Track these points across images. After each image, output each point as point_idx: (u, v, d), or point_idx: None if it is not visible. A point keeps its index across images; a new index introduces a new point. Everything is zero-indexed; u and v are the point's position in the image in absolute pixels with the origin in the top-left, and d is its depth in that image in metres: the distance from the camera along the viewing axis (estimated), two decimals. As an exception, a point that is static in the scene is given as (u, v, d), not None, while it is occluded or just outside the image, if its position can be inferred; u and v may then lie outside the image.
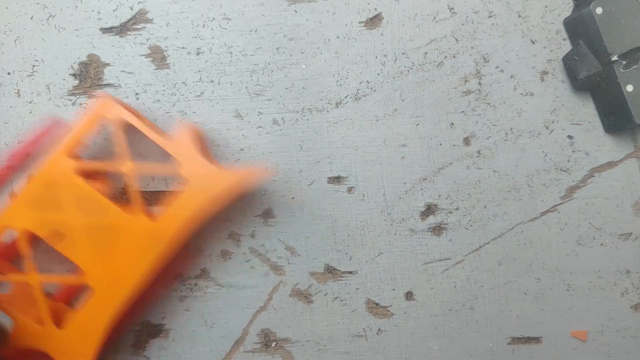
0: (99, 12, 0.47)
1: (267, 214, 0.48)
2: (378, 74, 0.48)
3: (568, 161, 0.48)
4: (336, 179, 0.48)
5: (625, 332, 0.48)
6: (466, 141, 0.48)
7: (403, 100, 0.48)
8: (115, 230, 0.41)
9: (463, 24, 0.48)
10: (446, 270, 0.48)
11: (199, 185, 0.41)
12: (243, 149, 0.48)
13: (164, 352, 0.47)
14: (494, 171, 0.48)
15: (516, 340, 0.48)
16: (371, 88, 0.48)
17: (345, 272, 0.48)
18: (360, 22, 0.48)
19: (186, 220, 0.41)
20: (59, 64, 0.47)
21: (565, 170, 0.48)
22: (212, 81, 0.47)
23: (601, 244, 0.48)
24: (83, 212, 0.41)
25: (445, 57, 0.48)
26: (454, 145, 0.48)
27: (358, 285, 0.48)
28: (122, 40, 0.47)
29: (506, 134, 0.48)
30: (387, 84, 0.48)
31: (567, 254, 0.48)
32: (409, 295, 0.48)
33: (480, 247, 0.48)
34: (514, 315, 0.48)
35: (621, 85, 0.44)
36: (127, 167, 0.41)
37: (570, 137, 0.48)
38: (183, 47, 0.47)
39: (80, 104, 0.47)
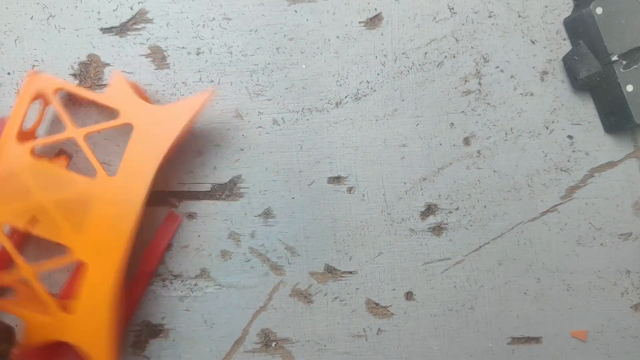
0: (99, 12, 0.47)
1: (267, 214, 0.48)
2: (378, 74, 0.48)
3: (568, 161, 0.48)
4: (336, 179, 0.48)
5: (625, 332, 0.48)
6: (466, 141, 0.48)
7: (403, 100, 0.48)
8: (87, 198, 0.41)
9: (463, 24, 0.48)
10: (446, 270, 0.48)
11: (146, 127, 0.41)
12: (243, 149, 0.48)
13: (164, 352, 0.47)
14: (494, 171, 0.48)
15: (516, 340, 0.48)
16: (371, 88, 0.48)
17: (345, 272, 0.48)
18: (360, 22, 0.48)
19: (146, 165, 0.41)
20: (59, 64, 0.47)
21: (565, 170, 0.48)
22: (212, 81, 0.47)
23: (601, 244, 0.48)
24: (51, 190, 0.40)
25: (445, 57, 0.48)
26: (454, 145, 0.48)
27: (358, 285, 0.48)
28: (122, 40, 0.47)
29: (506, 134, 0.48)
30: (387, 84, 0.48)
31: (567, 254, 0.48)
32: (409, 295, 0.48)
33: (480, 247, 0.48)
34: (514, 315, 0.48)
35: (621, 85, 0.44)
36: (75, 132, 0.41)
37: (570, 137, 0.48)
38: (183, 47, 0.47)
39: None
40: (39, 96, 0.42)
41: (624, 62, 0.45)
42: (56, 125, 0.47)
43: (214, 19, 0.47)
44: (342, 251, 0.48)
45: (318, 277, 0.48)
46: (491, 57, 0.48)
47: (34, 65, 0.47)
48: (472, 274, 0.48)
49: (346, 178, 0.48)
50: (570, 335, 0.48)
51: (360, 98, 0.48)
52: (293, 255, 0.48)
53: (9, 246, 0.41)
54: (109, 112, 0.45)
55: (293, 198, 0.48)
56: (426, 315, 0.48)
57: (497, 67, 0.48)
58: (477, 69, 0.48)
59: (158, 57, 0.47)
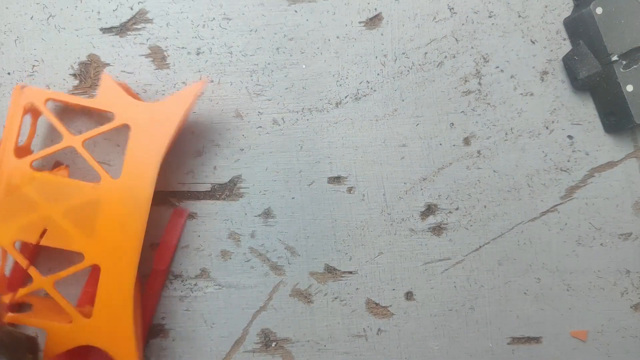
0: (99, 12, 0.47)
1: (267, 214, 0.48)
2: (378, 74, 0.48)
3: (568, 161, 0.48)
4: (336, 179, 0.48)
5: (625, 332, 0.48)
6: (466, 141, 0.48)
7: (403, 100, 0.48)
8: (95, 203, 0.41)
9: (463, 24, 0.48)
10: (446, 270, 0.48)
11: (143, 125, 0.41)
12: (243, 149, 0.48)
13: (164, 352, 0.47)
14: (494, 171, 0.48)
15: (516, 340, 0.48)
16: (371, 88, 0.48)
17: (345, 272, 0.48)
18: (360, 22, 0.48)
19: (148, 162, 0.41)
20: (59, 64, 0.47)
21: (565, 170, 0.48)
22: (212, 81, 0.47)
23: (601, 244, 0.48)
24: (58, 201, 0.41)
25: (445, 57, 0.48)
26: (454, 145, 0.48)
27: (358, 285, 0.48)
28: (122, 40, 0.47)
29: (506, 134, 0.48)
30: (387, 84, 0.48)
31: (567, 254, 0.48)
32: (409, 295, 0.48)
33: (480, 247, 0.48)
34: (514, 315, 0.48)
35: (621, 85, 0.44)
36: (72, 140, 0.41)
37: (570, 137, 0.48)
38: (183, 47, 0.47)
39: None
40: (30, 109, 0.42)
41: (624, 62, 0.45)
42: (50, 138, 0.47)
43: (214, 19, 0.47)
44: (342, 251, 0.48)
45: (318, 277, 0.48)
46: (491, 57, 0.48)
47: (33, 65, 0.47)
48: (472, 274, 0.48)
49: (346, 178, 0.48)
50: (570, 335, 0.48)
51: (360, 98, 0.48)
52: (293, 255, 0.48)
53: (23, 262, 0.41)
54: (103, 116, 0.45)
55: (293, 198, 0.48)
56: (426, 315, 0.48)
57: (497, 67, 0.48)
58: (477, 69, 0.48)
59: (158, 57, 0.47)
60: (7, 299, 0.41)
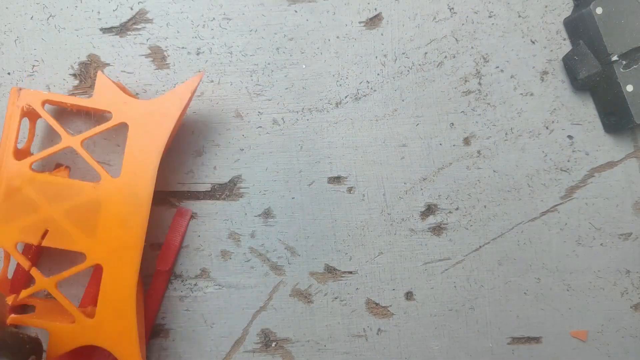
0: (99, 12, 0.47)
1: (267, 214, 0.48)
2: (378, 74, 0.48)
3: (568, 161, 0.48)
4: (336, 179, 0.48)
5: (625, 332, 0.48)
6: (466, 141, 0.48)
7: (403, 100, 0.48)
8: (96, 203, 0.41)
9: (463, 24, 0.48)
10: (446, 270, 0.48)
11: (141, 123, 0.41)
12: (243, 149, 0.48)
13: (164, 352, 0.47)
14: (494, 171, 0.48)
15: (516, 340, 0.48)
16: (371, 88, 0.48)
17: (345, 272, 0.48)
18: (360, 22, 0.48)
19: (148, 160, 0.41)
20: (59, 64, 0.47)
21: (565, 170, 0.48)
22: (212, 81, 0.47)
23: (601, 244, 0.48)
24: (58, 201, 0.41)
25: (445, 57, 0.48)
26: (454, 145, 0.48)
27: (358, 285, 0.48)
28: (122, 40, 0.47)
29: (506, 134, 0.48)
30: (387, 84, 0.48)
31: (567, 254, 0.48)
32: (409, 295, 0.48)
33: (480, 247, 0.48)
34: (514, 315, 0.48)
35: (621, 85, 0.44)
36: (71, 141, 0.41)
37: (570, 137, 0.48)
38: (183, 47, 0.47)
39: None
40: (27, 111, 0.41)
41: (624, 62, 0.45)
42: (49, 139, 0.47)
43: (214, 19, 0.47)
44: (342, 251, 0.48)
45: (318, 277, 0.48)
46: (491, 57, 0.48)
47: (33, 65, 0.47)
48: (472, 274, 0.48)
49: (346, 178, 0.48)
50: (570, 335, 0.48)
51: (360, 98, 0.48)
52: (293, 255, 0.48)
53: (25, 264, 0.41)
54: (103, 115, 0.45)
55: (293, 198, 0.48)
56: (426, 315, 0.48)
57: (497, 67, 0.48)
58: (477, 69, 0.48)
59: (158, 57, 0.47)
60: (10, 300, 0.42)
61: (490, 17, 0.48)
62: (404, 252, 0.48)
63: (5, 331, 0.37)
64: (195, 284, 0.47)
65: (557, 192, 0.48)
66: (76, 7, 0.47)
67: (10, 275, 0.45)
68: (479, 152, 0.48)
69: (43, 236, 0.40)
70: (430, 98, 0.48)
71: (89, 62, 0.47)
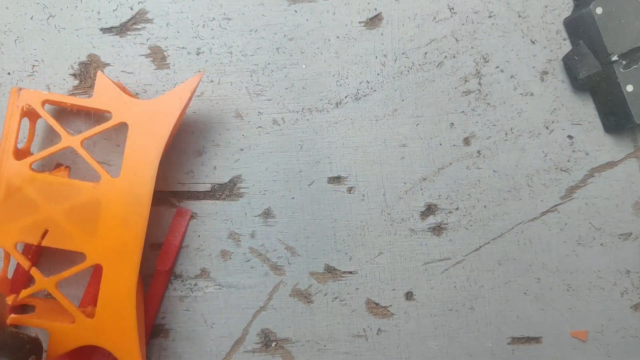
0: (99, 12, 0.47)
1: (267, 214, 0.48)
2: (378, 74, 0.48)
3: (568, 161, 0.48)
4: (336, 179, 0.48)
5: (625, 332, 0.48)
6: (466, 141, 0.48)
7: (403, 100, 0.48)
8: (95, 203, 0.41)
9: (463, 24, 0.48)
10: (446, 270, 0.48)
11: (141, 123, 0.41)
12: (243, 149, 0.48)
13: (164, 352, 0.47)
14: (494, 171, 0.48)
15: (516, 340, 0.48)
16: (371, 88, 0.48)
17: (345, 272, 0.48)
18: (360, 22, 0.48)
19: (148, 160, 0.41)
20: (59, 64, 0.47)
21: (565, 170, 0.48)
22: (212, 81, 0.47)
23: (601, 244, 0.48)
24: (58, 201, 0.41)
25: (445, 57, 0.48)
26: (454, 145, 0.48)
27: (358, 285, 0.48)
28: (122, 40, 0.47)
29: (506, 134, 0.48)
30: (387, 84, 0.48)
31: (567, 254, 0.48)
32: (409, 295, 0.48)
33: (480, 247, 0.48)
34: (514, 315, 0.48)
35: (621, 85, 0.44)
36: (71, 140, 0.41)
37: (570, 137, 0.48)
38: (183, 47, 0.47)
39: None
40: (27, 112, 0.41)
41: (624, 62, 0.45)
42: (49, 139, 0.47)
43: (214, 19, 0.47)
44: (342, 251, 0.48)
45: (318, 277, 0.48)
46: (491, 57, 0.48)
47: (33, 65, 0.47)
48: (472, 274, 0.48)
49: (346, 178, 0.48)
50: (570, 335, 0.48)
51: (360, 98, 0.48)
52: (293, 255, 0.48)
53: (25, 263, 0.41)
54: (103, 115, 0.45)
55: (293, 198, 0.48)
56: (426, 315, 0.48)
57: (497, 67, 0.48)
58: (477, 69, 0.48)
59: (158, 57, 0.47)
60: (10, 300, 0.42)
61: (490, 17, 0.48)
62: (404, 252, 0.48)
63: (5, 331, 0.37)
64: (195, 284, 0.47)
65: (557, 192, 0.48)
66: (76, 7, 0.47)
67: (10, 275, 0.45)
68: (479, 152, 0.48)
69: (43, 236, 0.40)
70: (430, 98, 0.48)
71: (89, 62, 0.47)
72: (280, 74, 0.48)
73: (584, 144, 0.48)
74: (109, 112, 0.41)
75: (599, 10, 0.44)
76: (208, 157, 0.47)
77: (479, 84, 0.48)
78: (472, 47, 0.48)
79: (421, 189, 0.48)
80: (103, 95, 0.41)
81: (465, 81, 0.48)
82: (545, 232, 0.48)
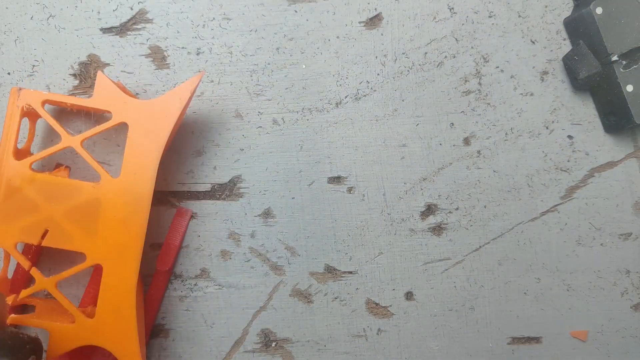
0: (99, 12, 0.47)
1: (267, 214, 0.48)
2: (378, 74, 0.48)
3: (568, 161, 0.48)
4: (336, 179, 0.48)
5: (625, 332, 0.48)
6: (466, 141, 0.48)
7: (403, 100, 0.48)
8: (95, 203, 0.41)
9: (463, 24, 0.48)
10: (446, 270, 0.48)
11: (141, 123, 0.41)
12: (243, 149, 0.48)
13: (164, 352, 0.47)
14: (494, 171, 0.48)
15: (516, 340, 0.48)
16: (371, 88, 0.48)
17: (345, 272, 0.48)
18: (360, 22, 0.48)
19: (148, 160, 0.41)
20: (59, 64, 0.47)
21: (565, 170, 0.48)
22: (212, 81, 0.47)
23: (601, 244, 0.48)
24: (58, 201, 0.41)
25: (445, 57, 0.48)
26: (454, 145, 0.48)
27: (358, 285, 0.48)
28: (122, 40, 0.47)
29: (506, 134, 0.48)
30: (387, 84, 0.48)
31: (567, 254, 0.48)
32: (409, 295, 0.48)
33: (480, 247, 0.48)
34: (514, 315, 0.48)
35: (621, 85, 0.44)
36: (71, 140, 0.41)
37: (570, 137, 0.48)
38: (183, 47, 0.47)
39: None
40: (27, 111, 0.41)
41: (624, 62, 0.45)
42: (49, 139, 0.47)
43: (214, 19, 0.47)
44: (342, 251, 0.48)
45: (318, 277, 0.48)
46: (491, 57, 0.48)
47: (33, 65, 0.47)
48: (472, 274, 0.48)
49: (346, 178, 0.48)
50: (570, 335, 0.48)
51: (360, 98, 0.48)
52: (293, 255, 0.48)
53: (25, 263, 0.41)
54: (103, 115, 0.45)
55: (293, 198, 0.48)
56: (426, 315, 0.48)
57: (497, 67, 0.48)
58: (477, 69, 0.48)
59: (158, 57, 0.47)
60: (10, 300, 0.42)
61: (490, 17, 0.48)
62: (404, 252, 0.48)
63: (5, 331, 0.37)
64: (195, 284, 0.47)
65: (557, 192, 0.48)
66: (76, 7, 0.47)
67: (10, 275, 0.45)
68: (479, 152, 0.48)
69: (43, 236, 0.40)
70: (430, 98, 0.48)
71: (89, 62, 0.47)
72: (280, 74, 0.48)
73: (584, 144, 0.48)
74: (109, 112, 0.41)
75: (599, 10, 0.44)
76: (208, 157, 0.47)
77: (479, 84, 0.48)
78: (472, 47, 0.48)
79: (421, 189, 0.48)
80: (103, 95, 0.41)
81: (465, 81, 0.48)
82: (545, 232, 0.48)
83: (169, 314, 0.47)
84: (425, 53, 0.48)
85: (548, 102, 0.48)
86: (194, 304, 0.47)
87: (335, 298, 0.48)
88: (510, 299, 0.48)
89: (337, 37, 0.48)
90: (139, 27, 0.47)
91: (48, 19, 0.47)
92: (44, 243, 0.40)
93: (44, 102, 0.41)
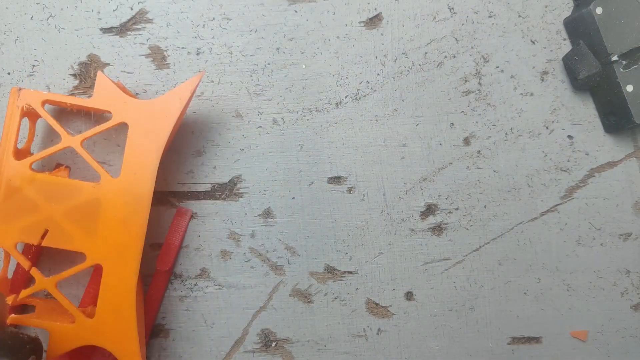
0: (99, 12, 0.47)
1: (267, 214, 0.48)
2: (378, 74, 0.48)
3: (568, 161, 0.48)
4: (336, 179, 0.48)
5: (625, 332, 0.48)
6: (466, 141, 0.48)
7: (403, 100, 0.48)
8: (95, 203, 0.41)
9: (463, 24, 0.48)
10: (446, 270, 0.48)
11: (141, 123, 0.41)
12: (243, 149, 0.48)
13: (164, 352, 0.47)
14: (494, 171, 0.48)
15: (516, 340, 0.48)
16: (371, 88, 0.48)
17: (345, 272, 0.48)
18: (360, 22, 0.48)
19: (148, 160, 0.41)
20: (59, 64, 0.47)
21: (565, 170, 0.48)
22: (212, 81, 0.47)
23: (601, 244, 0.48)
24: (58, 201, 0.41)
25: (445, 57, 0.48)
26: (454, 145, 0.48)
27: (358, 285, 0.48)
28: (122, 40, 0.47)
29: (506, 134, 0.48)
30: (387, 84, 0.48)
31: (567, 254, 0.48)
32: (409, 295, 0.48)
33: (480, 247, 0.48)
34: (514, 315, 0.48)
35: (621, 85, 0.44)
36: (71, 140, 0.41)
37: (570, 137, 0.48)
38: (183, 47, 0.47)
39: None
40: (27, 111, 0.41)
41: (624, 62, 0.45)
42: (49, 139, 0.47)
43: (214, 19, 0.47)
44: (342, 251, 0.48)
45: (318, 277, 0.48)
46: (491, 57, 0.48)
47: (33, 65, 0.47)
48: (472, 274, 0.48)
49: (346, 178, 0.48)
50: (570, 335, 0.48)
51: (360, 98, 0.48)
52: (293, 255, 0.48)
53: (25, 263, 0.41)
54: (103, 115, 0.45)
55: (293, 198, 0.48)
56: (426, 315, 0.48)
57: (497, 67, 0.48)
58: (477, 69, 0.48)
59: (158, 57, 0.47)
60: (10, 300, 0.42)
61: (490, 17, 0.48)
62: (404, 252, 0.48)
63: (5, 331, 0.37)
64: (195, 284, 0.47)
65: (557, 192, 0.48)
66: (76, 7, 0.47)
67: (10, 275, 0.45)
68: (479, 152, 0.48)
69: (43, 236, 0.40)
70: (430, 98, 0.48)
71: (89, 62, 0.47)
72: (280, 74, 0.48)
73: (584, 144, 0.48)
74: (109, 112, 0.42)
75: (599, 10, 0.44)
76: (208, 157, 0.47)
77: (479, 84, 0.48)
78: (472, 47, 0.48)
79: (421, 189, 0.48)
80: (103, 95, 0.42)
81: (465, 81, 0.48)
82: (545, 232, 0.48)
83: (169, 314, 0.47)
84: (425, 53, 0.48)
85: (548, 102, 0.48)
86: (194, 304, 0.47)
87: (335, 298, 0.48)
88: (510, 299, 0.48)
89: (337, 37, 0.48)
90: (139, 27, 0.47)
91: (48, 19, 0.47)
92: (44, 243, 0.40)
93: (44, 102, 0.41)
